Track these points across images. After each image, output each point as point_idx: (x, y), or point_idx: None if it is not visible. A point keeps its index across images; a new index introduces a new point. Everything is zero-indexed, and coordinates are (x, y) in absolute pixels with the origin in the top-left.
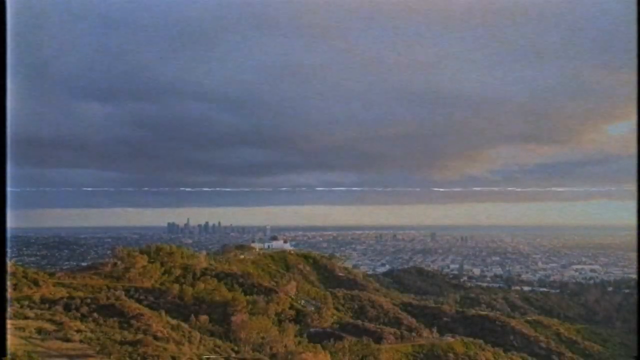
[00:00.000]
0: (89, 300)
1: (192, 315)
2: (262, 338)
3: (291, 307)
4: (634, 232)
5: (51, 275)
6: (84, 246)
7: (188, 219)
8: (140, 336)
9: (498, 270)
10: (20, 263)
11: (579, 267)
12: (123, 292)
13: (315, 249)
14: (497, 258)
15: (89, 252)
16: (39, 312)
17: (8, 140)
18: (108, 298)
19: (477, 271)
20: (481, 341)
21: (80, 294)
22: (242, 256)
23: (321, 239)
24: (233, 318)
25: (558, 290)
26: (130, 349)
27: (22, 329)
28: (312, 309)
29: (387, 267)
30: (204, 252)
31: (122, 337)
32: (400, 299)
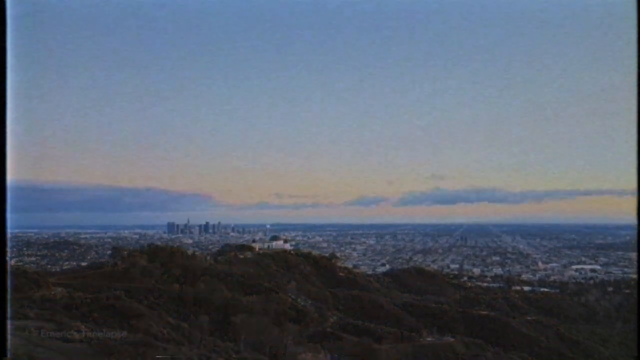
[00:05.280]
0: (89, 300)
1: (192, 315)
2: (262, 338)
3: (291, 307)
4: (634, 232)
5: (51, 275)
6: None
7: (188, 219)
8: (140, 336)
9: (498, 270)
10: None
11: (579, 267)
12: (123, 292)
13: (315, 249)
14: (498, 258)
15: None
16: (39, 312)
17: (8, 140)
18: (108, 298)
19: (477, 271)
20: (481, 341)
21: (80, 294)
22: (242, 256)
23: (320, 238)
24: (233, 318)
25: (558, 290)
26: (130, 349)
27: (22, 329)
28: (313, 309)
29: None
30: (204, 252)
31: (122, 337)
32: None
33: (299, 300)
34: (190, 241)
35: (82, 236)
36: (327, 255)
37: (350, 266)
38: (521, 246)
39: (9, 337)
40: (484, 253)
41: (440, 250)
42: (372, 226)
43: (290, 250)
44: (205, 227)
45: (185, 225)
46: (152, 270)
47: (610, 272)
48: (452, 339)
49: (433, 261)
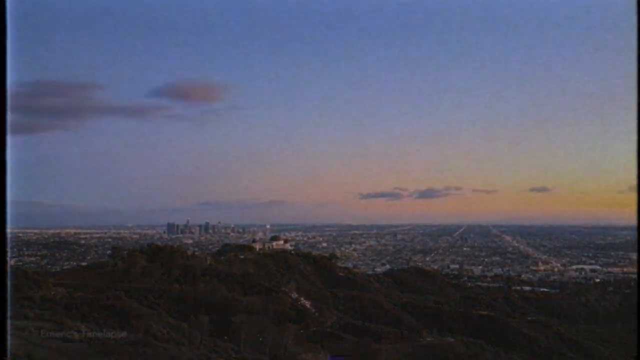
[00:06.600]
0: (89, 300)
1: (192, 315)
2: (262, 338)
3: (291, 307)
4: (634, 232)
5: (51, 275)
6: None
7: (188, 220)
8: (140, 336)
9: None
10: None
11: (579, 267)
12: (123, 292)
13: (315, 249)
14: (498, 258)
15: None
16: (39, 312)
17: (8, 139)
18: (108, 298)
19: (477, 271)
20: (481, 341)
21: (80, 294)
22: (242, 256)
23: (321, 238)
24: (233, 318)
25: (558, 290)
26: (130, 349)
27: (22, 329)
28: (313, 309)
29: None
30: (204, 252)
31: (122, 337)
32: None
33: (299, 300)
34: (190, 241)
35: (82, 236)
36: (327, 255)
37: (350, 266)
38: (521, 246)
39: (9, 337)
40: (484, 253)
41: (440, 250)
42: (372, 226)
43: (290, 250)
44: (205, 227)
45: (185, 226)
46: (152, 270)
47: (610, 272)
48: (452, 339)
49: (433, 261)
